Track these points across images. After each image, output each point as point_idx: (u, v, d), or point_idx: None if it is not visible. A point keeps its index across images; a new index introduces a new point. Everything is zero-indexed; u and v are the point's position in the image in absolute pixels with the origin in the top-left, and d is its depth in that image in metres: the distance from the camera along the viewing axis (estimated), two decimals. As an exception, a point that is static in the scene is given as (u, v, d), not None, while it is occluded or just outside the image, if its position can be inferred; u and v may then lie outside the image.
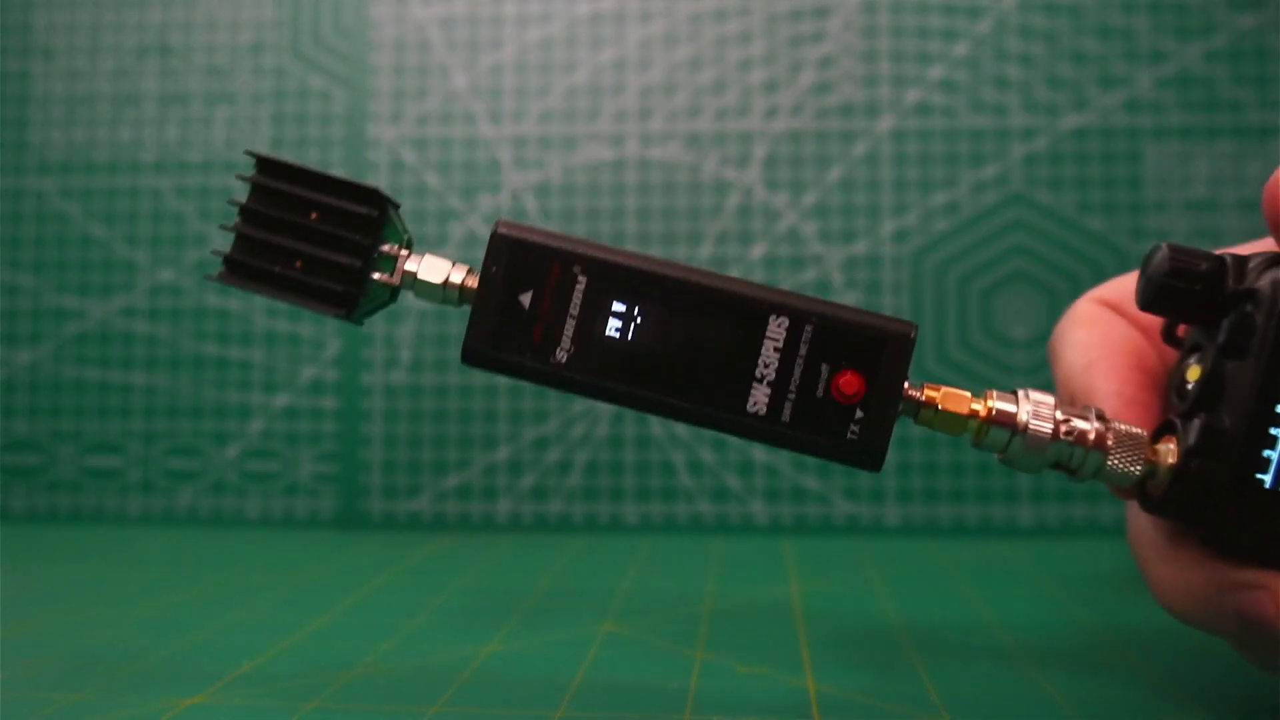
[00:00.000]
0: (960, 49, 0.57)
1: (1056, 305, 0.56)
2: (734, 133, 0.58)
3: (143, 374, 0.59)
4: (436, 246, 0.58)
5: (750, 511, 0.56)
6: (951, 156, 0.57)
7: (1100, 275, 0.56)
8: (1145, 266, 0.26)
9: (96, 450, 0.59)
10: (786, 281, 0.57)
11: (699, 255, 0.57)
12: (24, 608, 0.38)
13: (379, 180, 0.59)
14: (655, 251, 0.57)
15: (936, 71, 0.57)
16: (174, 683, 0.29)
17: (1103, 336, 0.29)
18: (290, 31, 0.60)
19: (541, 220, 0.58)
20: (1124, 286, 0.31)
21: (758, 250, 0.57)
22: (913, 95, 0.57)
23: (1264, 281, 0.24)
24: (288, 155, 0.26)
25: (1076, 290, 0.55)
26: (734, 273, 0.57)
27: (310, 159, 0.59)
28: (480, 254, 0.58)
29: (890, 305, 0.56)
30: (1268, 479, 0.23)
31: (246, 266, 0.25)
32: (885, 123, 0.57)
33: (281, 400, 0.58)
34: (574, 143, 0.58)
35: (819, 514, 0.56)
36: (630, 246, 0.57)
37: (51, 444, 0.59)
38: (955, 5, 0.57)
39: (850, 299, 0.56)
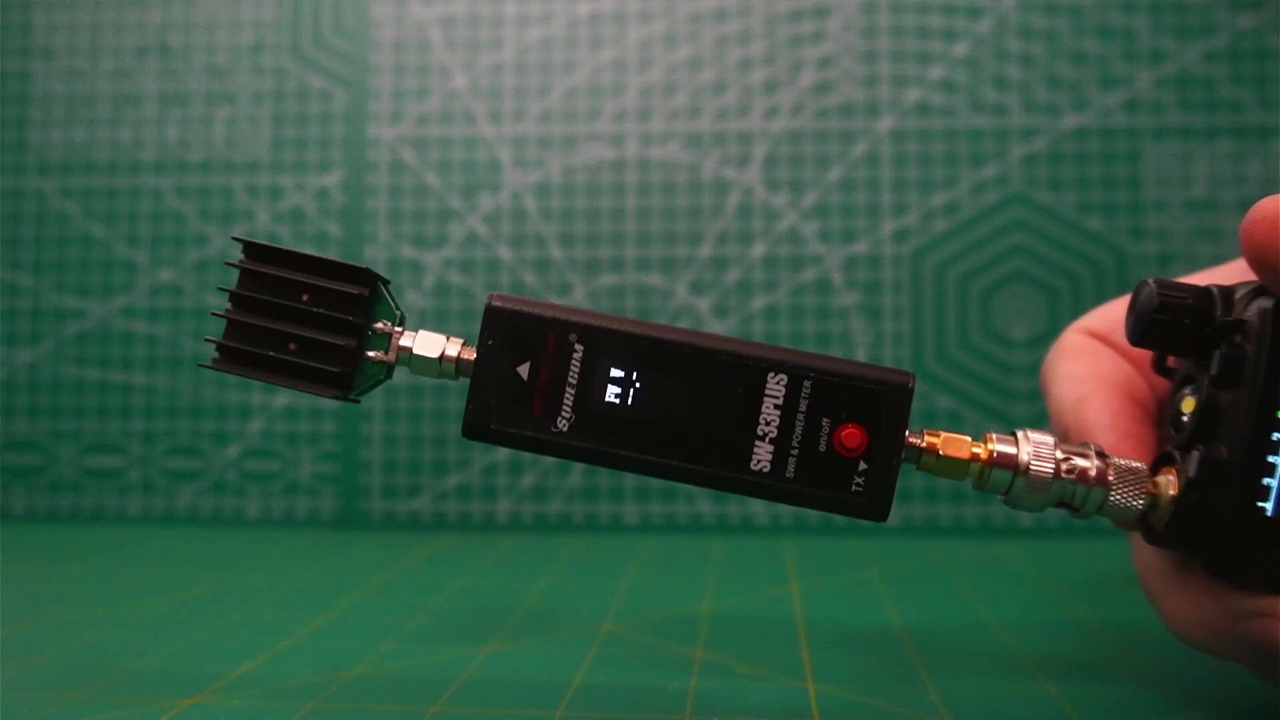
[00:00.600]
0: (960, 49, 0.57)
1: (1056, 305, 0.56)
2: (734, 133, 0.58)
3: (143, 374, 0.59)
4: (436, 247, 0.58)
5: (750, 511, 0.56)
6: (951, 156, 0.57)
7: (1100, 275, 0.56)
8: (1133, 303, 0.26)
9: (96, 450, 0.59)
10: (786, 282, 0.57)
11: (699, 255, 0.57)
12: (24, 608, 0.38)
13: (379, 180, 0.59)
14: (655, 252, 0.57)
15: (936, 71, 0.57)
16: (174, 683, 0.29)
17: (1092, 369, 0.29)
18: (290, 31, 0.60)
19: (542, 221, 0.58)
20: (1111, 315, 0.30)
21: (758, 250, 0.57)
22: (913, 95, 0.57)
23: (1251, 312, 0.24)
24: (272, 241, 0.26)
25: (1077, 290, 0.56)
26: (734, 273, 0.57)
27: (310, 159, 0.59)
28: (479, 254, 0.58)
29: (890, 305, 0.56)
30: (1269, 507, 0.23)
31: (241, 352, 0.25)
32: (885, 123, 0.57)
33: (281, 400, 0.58)
34: (574, 143, 0.58)
35: (819, 514, 0.56)
36: (630, 247, 0.57)
37: (51, 444, 0.59)
38: (955, 5, 0.57)
39: (850, 299, 0.56)
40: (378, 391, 0.58)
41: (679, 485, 0.56)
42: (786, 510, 0.56)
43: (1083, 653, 0.33)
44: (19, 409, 0.60)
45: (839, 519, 0.55)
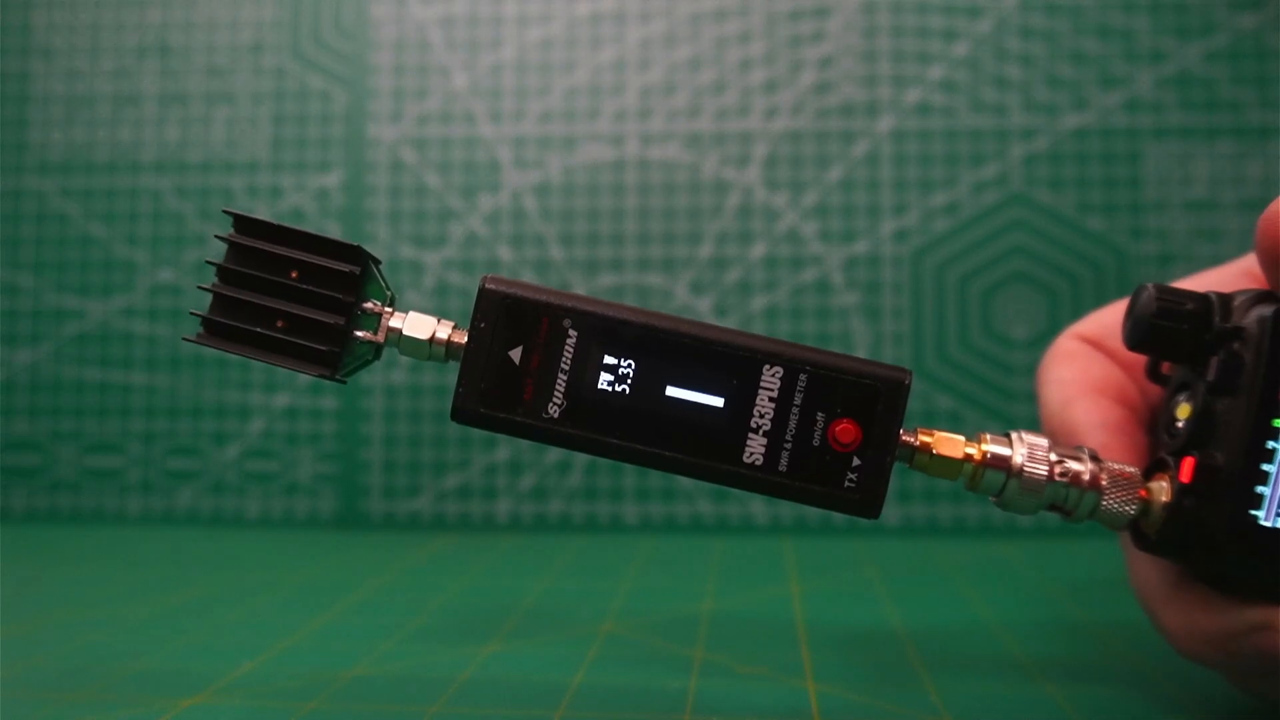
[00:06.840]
0: (960, 49, 0.57)
1: (1056, 305, 0.56)
2: (734, 133, 0.58)
3: (143, 374, 0.59)
4: (436, 247, 0.58)
5: (750, 511, 0.56)
6: (951, 156, 0.57)
7: (1100, 275, 0.56)
8: (1131, 307, 0.26)
9: (96, 450, 0.59)
10: (786, 282, 0.57)
11: (699, 255, 0.57)
12: (24, 608, 0.38)
13: (379, 180, 0.59)
14: (655, 252, 0.57)
15: (936, 71, 0.57)
16: (174, 683, 0.29)
17: (1083, 372, 0.29)
18: (290, 31, 0.60)
19: (542, 221, 0.58)
20: (1104, 320, 0.31)
21: (758, 250, 0.57)
22: (913, 95, 0.57)
23: (1250, 319, 0.24)
24: (264, 214, 0.25)
25: (1077, 290, 0.56)
26: (734, 273, 0.57)
27: (310, 159, 0.59)
28: (479, 254, 0.58)
29: (890, 305, 0.56)
30: (1262, 515, 0.23)
31: (225, 327, 0.25)
32: (885, 123, 0.57)
33: (281, 400, 0.58)
34: (574, 143, 0.58)
35: (819, 514, 0.56)
36: (630, 247, 0.57)
37: (51, 444, 0.59)
38: (955, 5, 0.57)
39: (850, 299, 0.56)
40: (378, 391, 0.58)
41: (679, 485, 0.56)
42: (786, 510, 0.56)
43: (1083, 653, 0.33)
44: (19, 409, 0.60)
45: (838, 518, 0.55)
